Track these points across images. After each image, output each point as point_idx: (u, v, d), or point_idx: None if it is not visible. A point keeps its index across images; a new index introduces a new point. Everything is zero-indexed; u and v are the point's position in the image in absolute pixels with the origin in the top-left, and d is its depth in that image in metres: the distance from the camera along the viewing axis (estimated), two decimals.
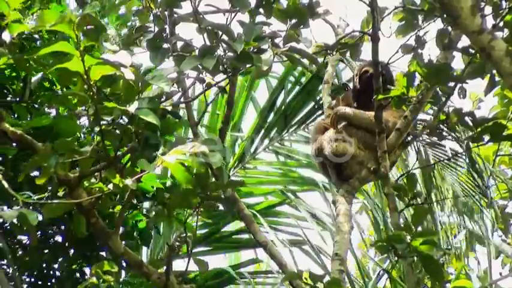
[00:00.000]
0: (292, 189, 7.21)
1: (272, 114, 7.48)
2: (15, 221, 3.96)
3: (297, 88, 7.40)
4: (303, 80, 7.37)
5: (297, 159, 7.42)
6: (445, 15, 4.29)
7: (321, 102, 7.31)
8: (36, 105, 4.76)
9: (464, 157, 6.74)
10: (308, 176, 7.30)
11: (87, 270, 5.06)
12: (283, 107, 7.41)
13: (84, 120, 4.52)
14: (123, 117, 3.62)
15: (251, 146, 7.40)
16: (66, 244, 5.05)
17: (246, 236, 6.97)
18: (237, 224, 7.02)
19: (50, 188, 3.88)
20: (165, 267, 3.91)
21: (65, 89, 4.50)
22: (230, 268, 6.29)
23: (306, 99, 7.42)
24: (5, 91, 4.79)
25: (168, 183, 5.03)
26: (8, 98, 4.76)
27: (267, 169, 7.44)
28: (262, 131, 7.44)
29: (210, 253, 7.15)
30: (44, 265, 5.02)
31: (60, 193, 3.84)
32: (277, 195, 7.08)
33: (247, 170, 7.31)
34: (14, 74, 4.65)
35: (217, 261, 8.01)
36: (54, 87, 4.72)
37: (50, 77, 4.68)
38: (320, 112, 7.42)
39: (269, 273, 6.94)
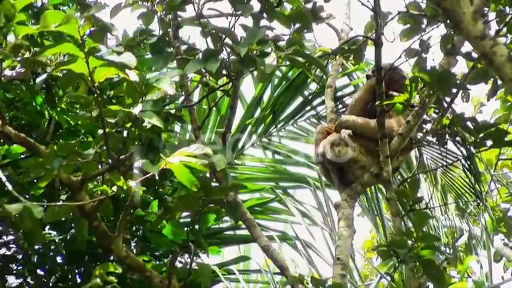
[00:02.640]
0: (281, 185, 7.17)
1: (259, 110, 7.39)
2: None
3: (284, 83, 7.34)
4: (290, 74, 7.32)
5: (286, 155, 7.37)
6: (448, 21, 4.29)
7: (310, 97, 7.32)
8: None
9: (462, 161, 6.74)
10: (297, 172, 7.27)
11: None
12: (270, 102, 7.36)
13: None
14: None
15: (238, 142, 7.35)
16: None
17: (234, 232, 6.95)
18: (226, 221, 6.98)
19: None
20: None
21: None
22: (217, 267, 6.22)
23: (294, 95, 7.34)
24: (30, 128, 4.85)
25: None
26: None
27: (255, 165, 7.39)
28: (250, 126, 7.40)
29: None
30: None
31: (63, 196, 3.86)
32: (267, 192, 7.03)
33: (235, 166, 7.25)
34: (38, 108, 4.72)
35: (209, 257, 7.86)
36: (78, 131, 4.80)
37: (72, 122, 4.76)
38: (309, 108, 7.40)
39: (257, 271, 6.92)
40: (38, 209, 3.09)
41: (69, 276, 5.06)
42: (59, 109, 4.58)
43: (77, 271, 5.05)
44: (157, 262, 5.08)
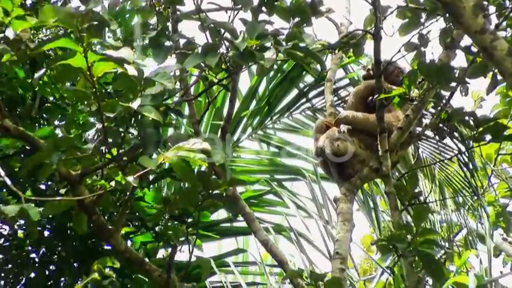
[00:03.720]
0: (276, 178, 7.18)
1: (254, 102, 7.42)
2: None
3: (280, 75, 7.34)
4: (285, 67, 7.32)
5: (281, 147, 7.38)
6: (447, 15, 4.28)
7: (305, 90, 7.33)
8: (45, 117, 4.80)
9: (459, 156, 6.74)
10: (292, 164, 7.27)
11: None
12: (265, 95, 7.36)
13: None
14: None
15: (234, 134, 7.35)
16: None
17: (233, 224, 6.98)
18: (222, 213, 6.99)
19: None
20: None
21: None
22: (212, 259, 6.21)
23: (289, 87, 7.37)
24: (15, 104, 4.82)
25: None
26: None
27: (251, 157, 7.40)
28: (245, 118, 7.40)
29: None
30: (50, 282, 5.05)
31: (62, 190, 3.85)
32: (262, 184, 7.05)
33: (231, 158, 7.24)
34: (15, 85, 4.68)
35: (205, 249, 7.92)
36: (65, 106, 4.76)
37: (56, 95, 4.73)
38: (304, 100, 7.41)
39: (253, 263, 6.94)
40: (35, 210, 3.09)
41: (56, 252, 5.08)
42: (41, 82, 4.53)
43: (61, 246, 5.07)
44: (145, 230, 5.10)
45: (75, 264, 5.05)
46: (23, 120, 4.55)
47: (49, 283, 5.07)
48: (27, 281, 4.99)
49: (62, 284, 5.07)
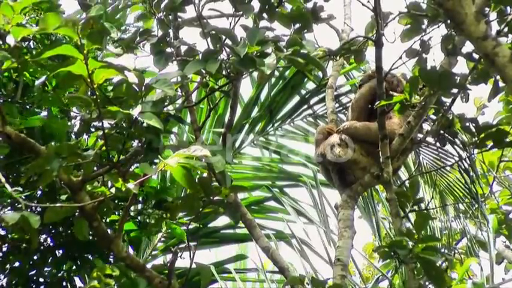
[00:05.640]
0: (277, 184, 7.18)
1: (256, 109, 7.43)
2: None
3: (281, 82, 7.34)
4: (287, 73, 7.32)
5: (283, 153, 7.38)
6: (449, 21, 4.28)
7: (306, 96, 7.34)
8: (28, 106, 4.76)
9: (459, 163, 6.73)
10: (293, 170, 7.27)
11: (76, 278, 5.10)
12: (267, 102, 7.37)
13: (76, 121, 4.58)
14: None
15: (236, 141, 7.35)
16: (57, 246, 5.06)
17: (231, 231, 6.98)
18: (223, 220, 6.99)
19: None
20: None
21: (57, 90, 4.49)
22: (213, 265, 6.19)
23: (291, 94, 7.38)
24: None
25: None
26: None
27: (252, 164, 7.40)
28: (247, 125, 7.41)
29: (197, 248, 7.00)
30: (33, 272, 5.02)
31: (63, 197, 3.85)
32: (264, 191, 7.05)
33: (232, 164, 7.23)
34: (6, 74, 4.64)
35: (205, 256, 7.92)
36: (46, 87, 4.70)
37: (37, 75, 4.66)
38: (305, 107, 7.42)
39: (254, 270, 6.94)
40: (35, 218, 3.09)
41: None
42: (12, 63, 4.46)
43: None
44: None
45: (58, 253, 5.03)
46: (7, 106, 4.49)
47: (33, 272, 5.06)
48: (11, 270, 4.97)
49: (46, 273, 5.06)
